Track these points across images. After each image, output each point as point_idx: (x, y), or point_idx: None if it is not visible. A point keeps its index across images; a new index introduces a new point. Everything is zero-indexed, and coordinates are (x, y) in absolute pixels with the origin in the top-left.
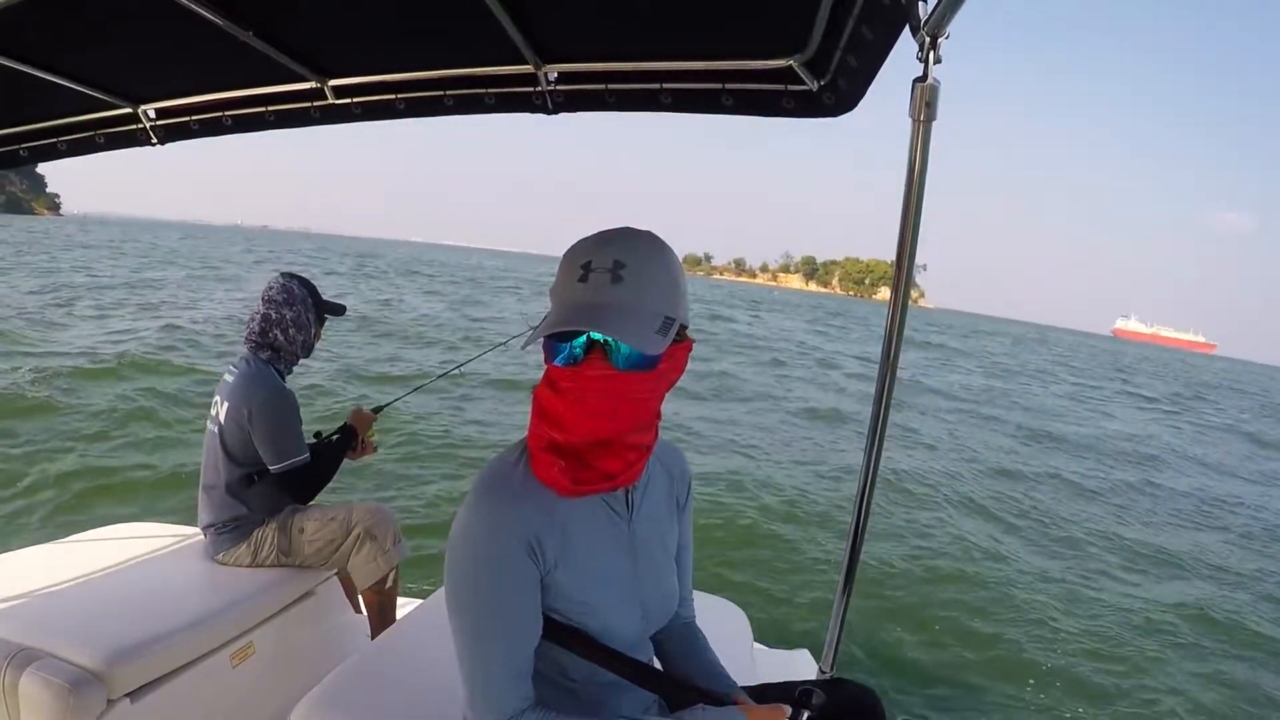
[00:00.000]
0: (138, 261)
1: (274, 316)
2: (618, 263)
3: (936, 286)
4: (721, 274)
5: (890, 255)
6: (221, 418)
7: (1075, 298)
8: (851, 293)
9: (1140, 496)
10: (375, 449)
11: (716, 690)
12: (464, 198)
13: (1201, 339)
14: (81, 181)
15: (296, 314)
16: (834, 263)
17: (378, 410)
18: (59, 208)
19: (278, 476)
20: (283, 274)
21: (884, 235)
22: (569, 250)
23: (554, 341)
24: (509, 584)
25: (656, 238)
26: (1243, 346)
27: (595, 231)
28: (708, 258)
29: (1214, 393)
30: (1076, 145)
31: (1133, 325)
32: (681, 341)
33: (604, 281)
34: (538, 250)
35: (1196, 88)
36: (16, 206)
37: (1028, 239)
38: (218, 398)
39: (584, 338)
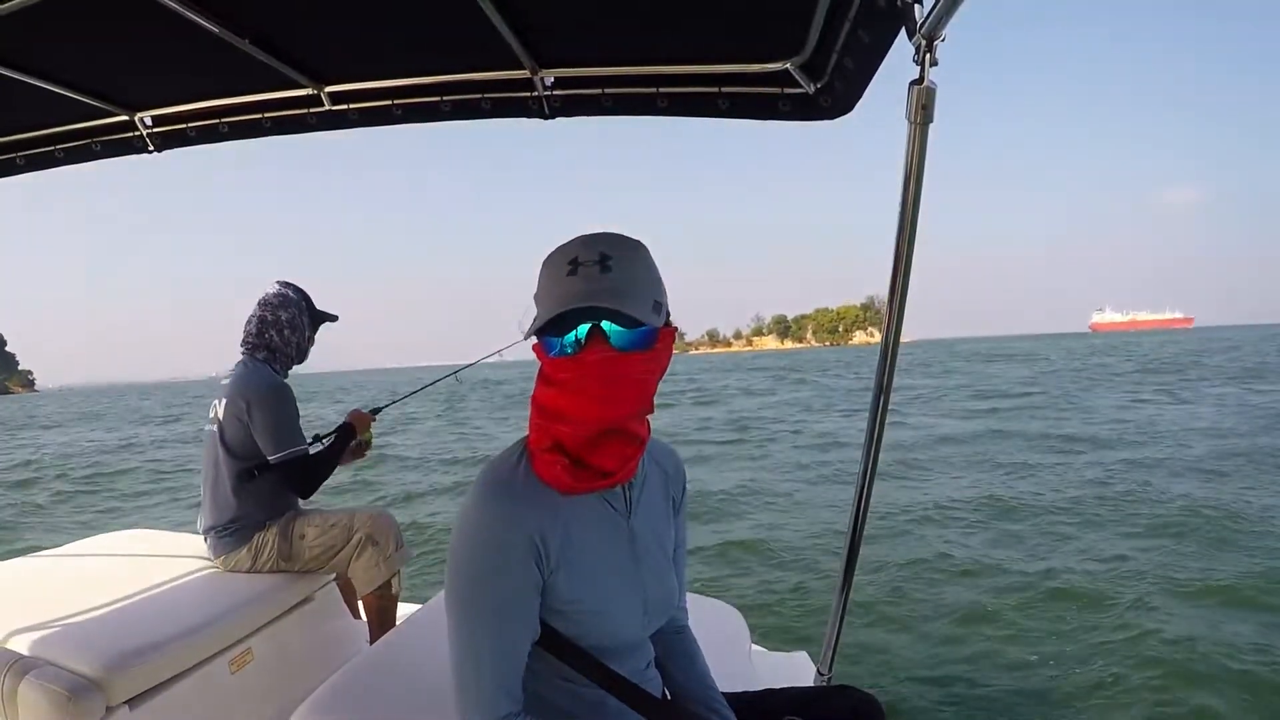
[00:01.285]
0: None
1: (269, 318)
2: (604, 255)
3: (910, 322)
4: (697, 348)
5: (854, 299)
6: (220, 415)
7: (1048, 302)
8: (826, 343)
9: (1154, 490)
10: (366, 452)
11: (708, 714)
12: (421, 324)
13: (1179, 315)
14: (54, 354)
15: (291, 316)
16: (805, 316)
17: (375, 412)
18: (34, 384)
19: (277, 468)
20: (279, 281)
21: (848, 281)
22: (550, 256)
23: (548, 337)
24: (510, 587)
25: (633, 237)
26: (1219, 314)
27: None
28: (681, 335)
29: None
30: (1017, 145)
31: (1109, 317)
32: (668, 326)
33: (594, 272)
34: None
35: (1128, 65)
36: None
37: (990, 254)
38: (216, 400)
39: (578, 330)
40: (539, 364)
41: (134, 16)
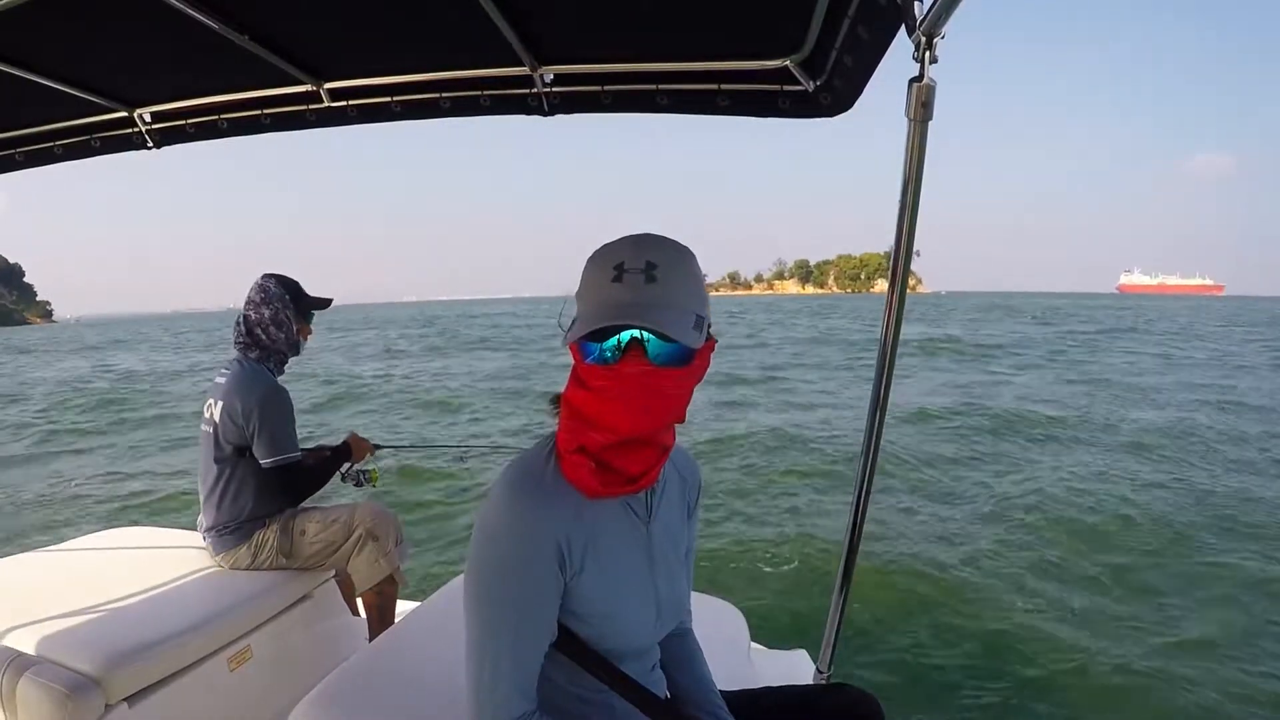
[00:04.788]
0: None
1: (253, 317)
2: (650, 263)
3: (933, 270)
4: (717, 290)
5: (880, 246)
6: (216, 417)
7: (1075, 260)
8: (848, 289)
9: (1157, 484)
10: (369, 485)
11: (709, 713)
12: (449, 257)
13: (1209, 281)
14: (71, 285)
15: (274, 311)
16: (827, 262)
17: (376, 447)
18: (51, 314)
19: (269, 472)
20: (263, 275)
21: (871, 228)
22: (596, 254)
23: (586, 342)
24: (533, 585)
25: (680, 243)
26: (1249, 283)
27: (618, 237)
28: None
29: None
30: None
31: (1137, 279)
32: (708, 340)
33: (639, 281)
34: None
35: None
36: (8, 318)
37: (1016, 209)
38: (211, 400)
39: (619, 337)
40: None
41: (133, 13)
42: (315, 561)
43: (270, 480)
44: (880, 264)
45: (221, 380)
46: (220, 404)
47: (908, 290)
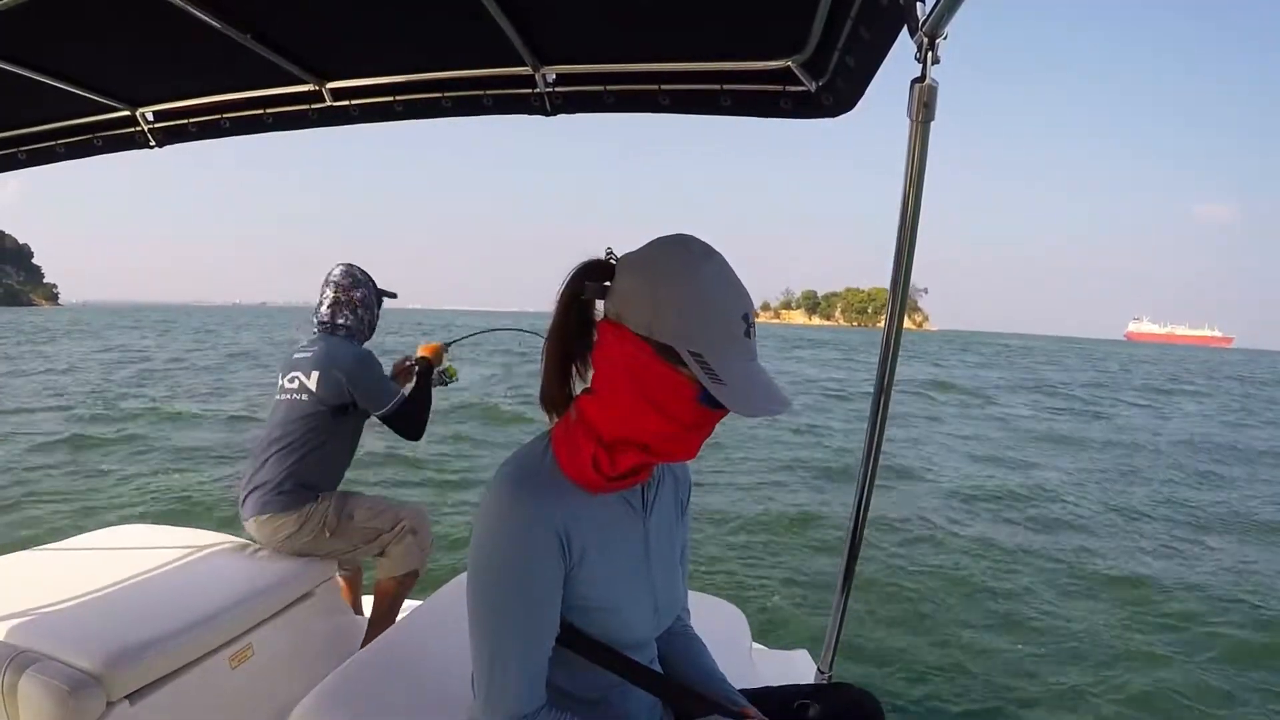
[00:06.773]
0: None
1: (343, 299)
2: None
3: (939, 310)
4: None
5: (885, 282)
6: (312, 385)
7: (1082, 305)
8: (855, 323)
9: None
10: (450, 381)
11: (725, 701)
12: (450, 263)
13: (1217, 333)
14: (77, 269)
15: (364, 294)
16: (835, 295)
17: (447, 345)
18: (57, 297)
19: (389, 420)
20: (341, 263)
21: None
22: (712, 287)
23: (699, 375)
24: (536, 579)
25: None
26: (1257, 336)
27: (690, 257)
28: None
29: None
30: (1060, 150)
31: (1145, 327)
32: None
33: (754, 337)
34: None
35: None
36: (14, 299)
37: (1025, 251)
38: (296, 373)
39: None
40: (634, 370)
41: (136, 12)
42: (353, 544)
43: (393, 428)
44: (888, 299)
45: (309, 354)
46: (317, 373)
47: (919, 328)
